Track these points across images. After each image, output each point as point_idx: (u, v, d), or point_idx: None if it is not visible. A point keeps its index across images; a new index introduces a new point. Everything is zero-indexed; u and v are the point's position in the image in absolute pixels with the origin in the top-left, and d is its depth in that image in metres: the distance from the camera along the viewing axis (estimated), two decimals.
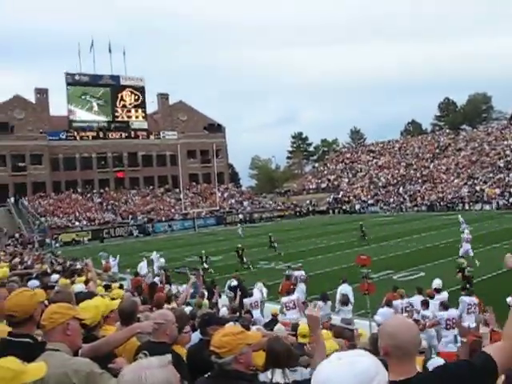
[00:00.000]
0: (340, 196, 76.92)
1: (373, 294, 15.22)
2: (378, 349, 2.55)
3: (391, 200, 68.57)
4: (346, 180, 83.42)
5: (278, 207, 77.22)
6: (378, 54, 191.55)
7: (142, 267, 25.77)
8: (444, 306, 12.70)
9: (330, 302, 15.73)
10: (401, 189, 71.41)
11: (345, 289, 16.10)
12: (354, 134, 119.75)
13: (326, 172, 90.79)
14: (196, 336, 6.36)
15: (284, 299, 16.60)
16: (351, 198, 74.69)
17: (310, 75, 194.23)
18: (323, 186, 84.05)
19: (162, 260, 27.96)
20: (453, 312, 12.62)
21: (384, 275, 21.62)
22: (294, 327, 8.40)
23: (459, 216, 33.38)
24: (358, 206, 69.97)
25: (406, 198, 67.34)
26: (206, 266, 27.42)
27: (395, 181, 75.21)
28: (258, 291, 16.97)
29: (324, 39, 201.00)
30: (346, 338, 8.87)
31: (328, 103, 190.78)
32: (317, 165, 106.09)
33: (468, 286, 17.23)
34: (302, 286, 18.31)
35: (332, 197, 77.36)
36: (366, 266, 18.46)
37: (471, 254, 23.79)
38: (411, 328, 2.47)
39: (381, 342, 2.46)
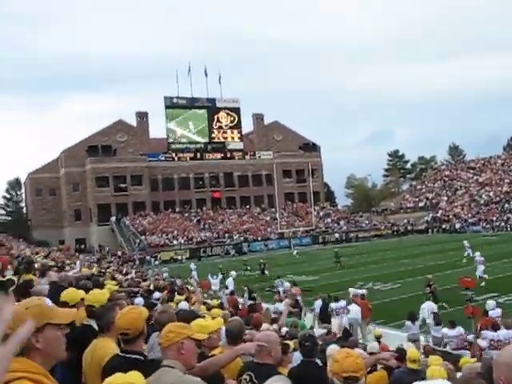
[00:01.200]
0: (439, 215, 74.53)
1: (478, 317, 14.57)
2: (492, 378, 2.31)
3: (494, 218, 65.77)
4: (445, 198, 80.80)
5: (375, 226, 75.94)
6: (477, 66, 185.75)
7: (230, 282, 26.48)
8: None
9: (417, 322, 15.37)
10: (505, 206, 68.35)
11: (428, 306, 16.01)
12: (453, 151, 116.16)
13: (423, 190, 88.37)
14: (297, 357, 6.23)
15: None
16: (451, 216, 72.23)
17: (405, 91, 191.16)
18: (421, 204, 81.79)
19: (234, 273, 28.54)
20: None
21: (489, 298, 20.60)
22: (399, 350, 8.09)
23: (465, 241, 35.40)
24: (458, 225, 67.52)
25: (511, 217, 64.38)
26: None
27: (498, 198, 72.12)
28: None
29: (418, 55, 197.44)
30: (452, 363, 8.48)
31: (424, 119, 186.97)
32: (414, 183, 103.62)
33: (432, 298, 19.19)
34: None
35: (430, 216, 75.10)
36: (470, 289, 17.81)
37: (484, 274, 25.50)
38: None
39: (497, 373, 2.15)
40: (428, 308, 15.88)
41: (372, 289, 25.88)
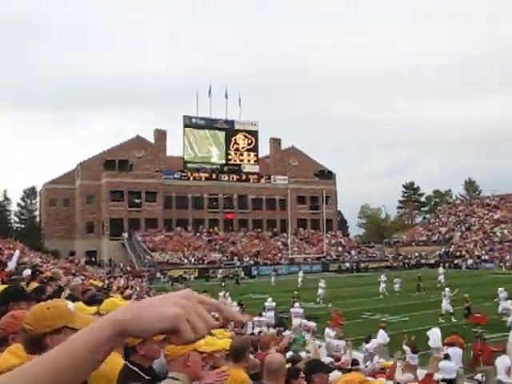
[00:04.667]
0: (451, 250, 74.04)
1: (488, 356, 14.39)
2: None
3: (507, 257, 65.15)
4: (459, 233, 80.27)
5: (386, 258, 75.57)
6: (496, 104, 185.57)
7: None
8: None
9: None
10: None
11: (433, 332, 16.88)
12: (469, 186, 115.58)
13: (437, 224, 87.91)
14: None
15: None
16: (463, 252, 71.66)
17: (423, 124, 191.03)
18: (434, 238, 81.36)
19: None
20: None
21: (500, 337, 20.26)
22: None
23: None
24: (470, 261, 66.94)
25: None
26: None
27: None
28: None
29: (438, 89, 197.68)
30: None
31: (442, 153, 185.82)
32: (428, 216, 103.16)
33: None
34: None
35: (443, 250, 74.61)
36: (481, 325, 17.61)
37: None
38: None
39: None
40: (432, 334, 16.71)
41: (379, 320, 25.65)
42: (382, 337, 17.47)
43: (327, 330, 18.79)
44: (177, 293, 1.08)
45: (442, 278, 42.60)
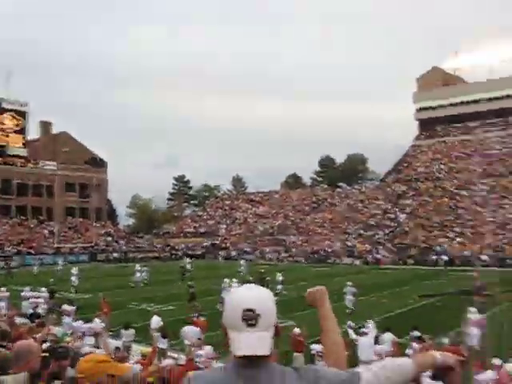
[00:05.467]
0: (218, 242, 77.42)
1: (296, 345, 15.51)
2: None
3: (267, 249, 69.85)
4: (224, 226, 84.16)
5: (155, 248, 76.51)
6: (264, 106, 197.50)
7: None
8: None
9: (132, 330, 17.20)
10: (277, 239, 73.09)
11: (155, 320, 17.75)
12: (236, 182, 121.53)
13: (205, 217, 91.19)
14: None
15: None
16: (228, 244, 75.39)
17: (196, 120, 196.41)
18: (202, 230, 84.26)
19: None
20: None
21: None
22: None
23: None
24: (234, 253, 70.60)
25: (282, 249, 68.95)
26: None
27: (272, 230, 76.87)
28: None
29: (213, 88, 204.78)
30: None
31: (213, 150, 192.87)
32: (197, 209, 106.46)
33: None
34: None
35: (209, 242, 77.69)
36: None
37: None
38: None
39: None
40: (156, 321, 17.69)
41: (145, 309, 26.20)
42: (155, 321, 18.02)
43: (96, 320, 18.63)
44: None
45: (188, 267, 46.02)
